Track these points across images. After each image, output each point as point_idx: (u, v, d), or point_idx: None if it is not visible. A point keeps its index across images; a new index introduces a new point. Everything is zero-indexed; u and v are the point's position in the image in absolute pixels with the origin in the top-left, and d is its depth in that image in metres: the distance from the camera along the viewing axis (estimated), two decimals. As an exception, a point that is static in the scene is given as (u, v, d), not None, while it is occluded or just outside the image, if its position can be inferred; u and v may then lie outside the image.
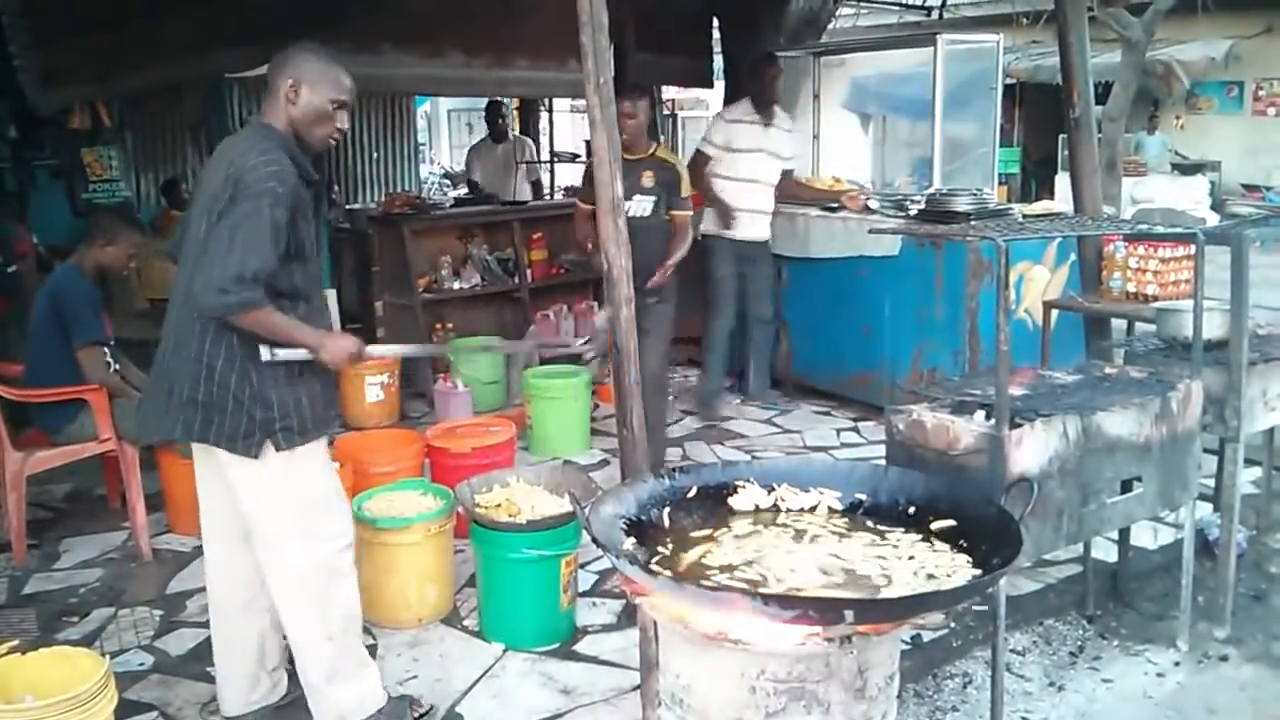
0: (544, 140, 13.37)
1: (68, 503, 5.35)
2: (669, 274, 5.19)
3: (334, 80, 3.07)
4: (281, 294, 2.94)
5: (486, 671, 3.69)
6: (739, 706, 2.18)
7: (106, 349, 4.64)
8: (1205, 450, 3.71)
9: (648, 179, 5.20)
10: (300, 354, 2.97)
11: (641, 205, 5.16)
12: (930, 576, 2.31)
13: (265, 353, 2.94)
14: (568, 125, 19.54)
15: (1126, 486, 3.30)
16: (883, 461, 3.26)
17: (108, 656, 3.02)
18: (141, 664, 3.77)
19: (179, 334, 3.02)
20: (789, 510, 2.68)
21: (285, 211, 2.88)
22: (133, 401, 4.62)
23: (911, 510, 2.62)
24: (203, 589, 4.28)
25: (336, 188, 12.18)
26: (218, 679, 3.38)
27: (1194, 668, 3.64)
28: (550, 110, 14.16)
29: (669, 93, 13.63)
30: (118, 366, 4.69)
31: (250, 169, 2.87)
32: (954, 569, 2.34)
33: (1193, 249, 3.74)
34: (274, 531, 3.07)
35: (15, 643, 3.03)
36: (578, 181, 13.74)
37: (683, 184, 5.28)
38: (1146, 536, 4.44)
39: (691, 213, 5.31)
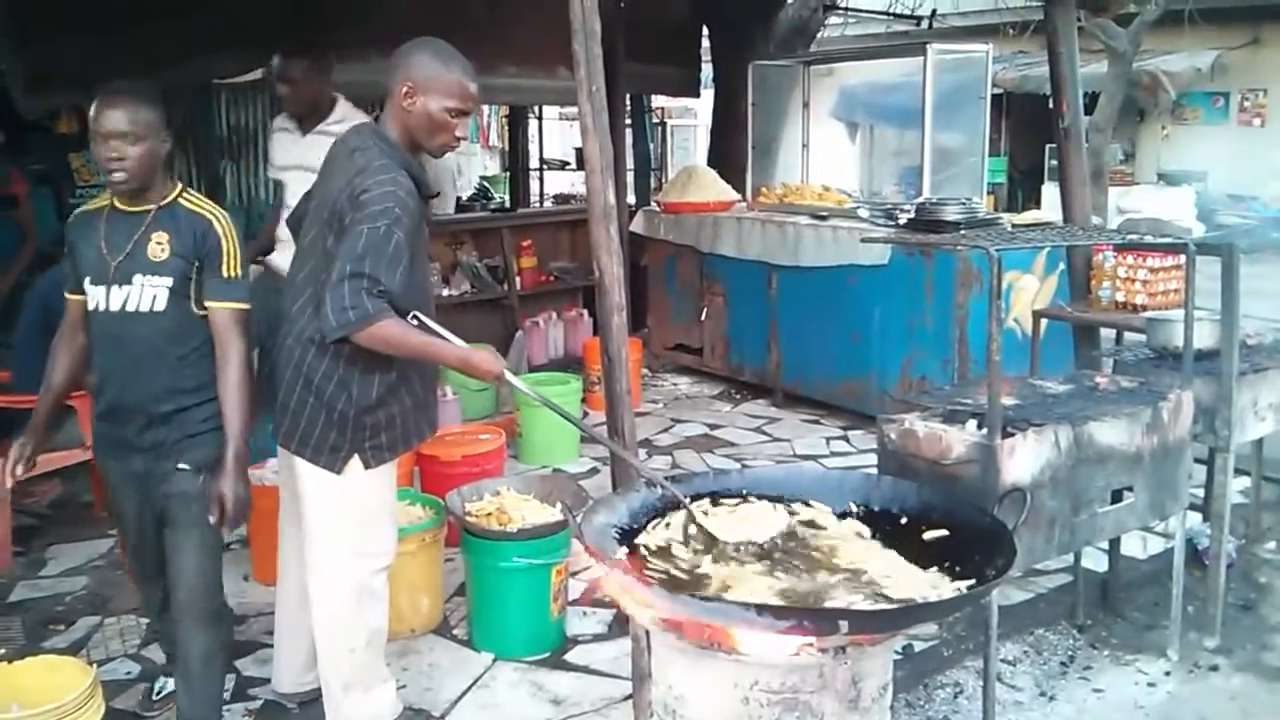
0: (533, 147, 13.39)
1: (54, 510, 5.31)
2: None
3: (452, 86, 2.90)
4: (400, 312, 2.86)
5: (476, 681, 3.67)
6: (732, 717, 2.18)
7: None
8: (1195, 460, 3.71)
9: (159, 247, 2.89)
10: (444, 333, 2.88)
11: (141, 293, 2.91)
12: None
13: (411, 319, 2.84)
14: (556, 133, 19.57)
15: (1117, 496, 3.31)
16: (873, 470, 3.26)
17: (94, 665, 2.99)
18: (128, 673, 3.74)
19: (285, 338, 3.00)
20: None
21: (405, 232, 2.78)
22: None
23: (904, 520, 2.62)
24: (190, 598, 4.29)
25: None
26: (275, 658, 3.47)
27: (1184, 677, 3.64)
28: (540, 118, 14.18)
29: (658, 101, 13.64)
30: None
31: (373, 185, 2.77)
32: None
33: (1181, 259, 3.75)
34: (327, 542, 3.07)
35: (1, 651, 3.01)
36: (567, 189, 13.75)
37: (228, 253, 2.94)
38: (1136, 546, 4.44)
39: (245, 307, 2.97)
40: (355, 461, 2.97)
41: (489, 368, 2.90)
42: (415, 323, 2.85)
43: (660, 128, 15.68)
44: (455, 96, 2.90)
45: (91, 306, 2.96)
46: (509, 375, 2.95)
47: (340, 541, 3.05)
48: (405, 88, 2.89)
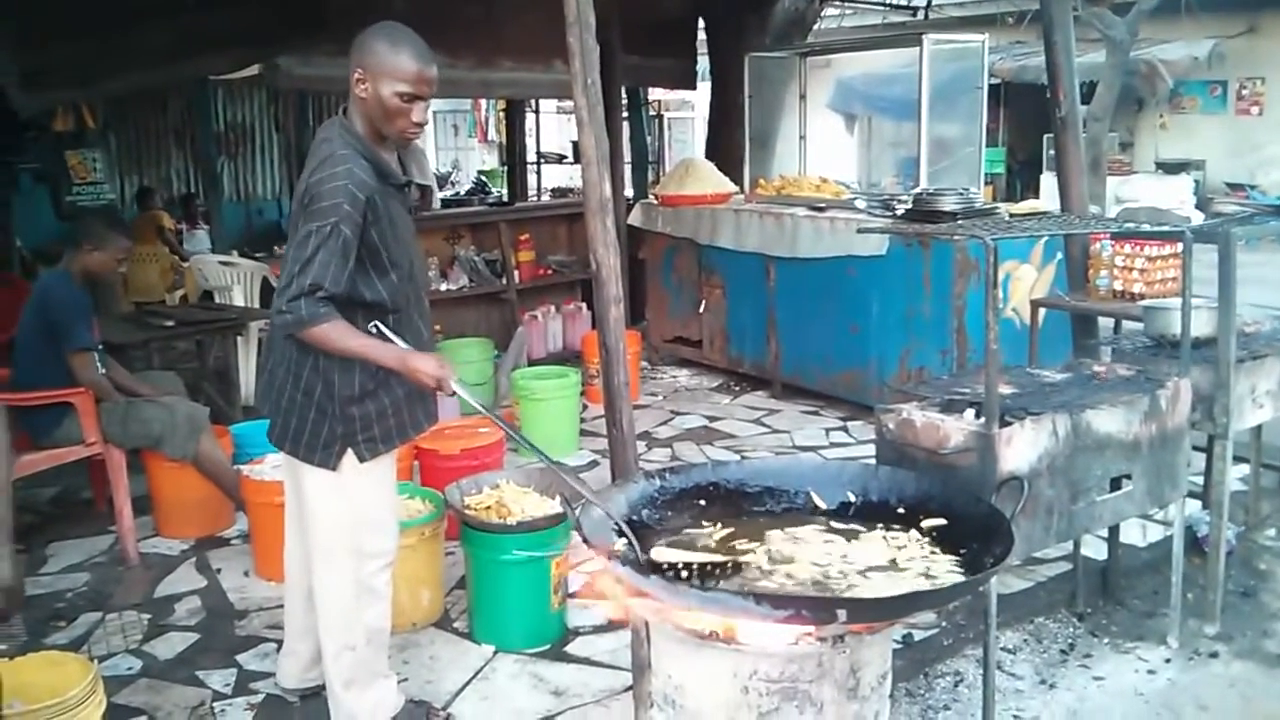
0: (531, 141, 13.37)
1: (54, 506, 5.32)
2: None
3: (402, 70, 2.83)
4: (366, 305, 2.89)
5: (477, 673, 3.68)
6: (731, 707, 2.17)
7: (95, 354, 4.63)
8: (1194, 448, 3.72)
9: None
10: (391, 337, 2.90)
11: None
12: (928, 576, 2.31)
13: (371, 328, 2.88)
14: (554, 126, 19.56)
15: (1116, 484, 3.31)
16: (872, 460, 3.26)
17: (96, 661, 3.00)
18: (130, 668, 3.75)
19: (278, 338, 3.02)
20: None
21: (355, 226, 2.78)
22: (120, 405, 4.62)
23: (902, 510, 2.62)
24: (190, 593, 4.32)
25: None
26: (281, 654, 3.50)
27: (1184, 665, 3.65)
28: (536, 111, 14.17)
29: (655, 94, 13.63)
30: (105, 370, 4.67)
31: (324, 179, 2.78)
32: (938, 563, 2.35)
33: (1179, 247, 3.75)
34: (328, 541, 3.07)
35: (3, 647, 3.01)
36: (565, 183, 13.73)
37: None
38: (1136, 534, 4.45)
39: None
40: (350, 456, 2.97)
41: (429, 372, 2.82)
42: (375, 331, 2.88)
43: (657, 120, 15.68)
44: (406, 80, 2.85)
45: None
46: (455, 385, 2.83)
47: (341, 540, 3.05)
48: (356, 74, 2.87)
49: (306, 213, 2.80)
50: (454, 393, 2.84)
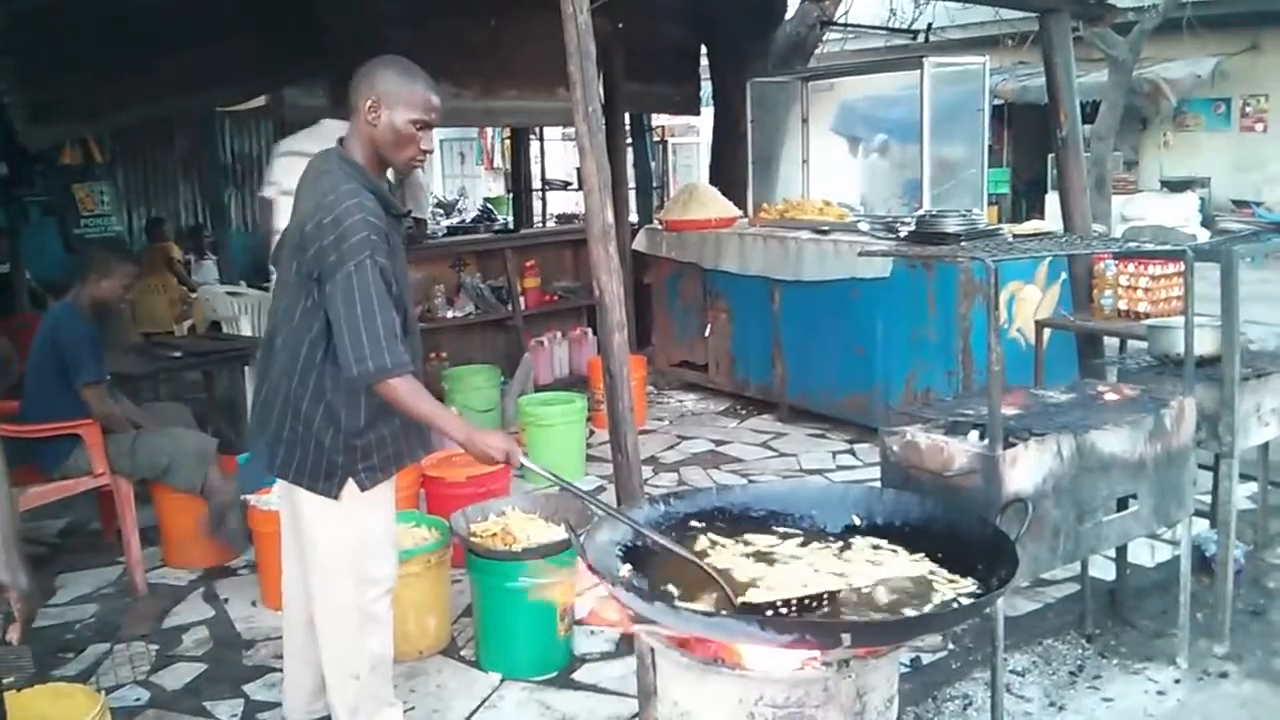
0: (535, 168, 13.43)
1: (63, 538, 5.33)
2: None
3: (417, 98, 2.91)
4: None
5: (484, 702, 3.67)
6: (737, 732, 2.17)
7: (106, 385, 4.65)
8: (1200, 466, 3.71)
9: None
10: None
11: None
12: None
13: None
14: (560, 153, 19.65)
15: (1122, 504, 3.30)
16: (878, 484, 3.26)
17: (104, 692, 3.00)
18: (138, 699, 3.75)
19: (272, 370, 3.03)
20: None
21: (385, 253, 2.82)
22: (128, 436, 4.63)
23: (907, 532, 2.62)
24: (197, 623, 4.32)
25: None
26: (284, 686, 3.48)
27: (1194, 685, 3.63)
28: (541, 138, 14.24)
29: (659, 119, 13.68)
30: (113, 402, 4.69)
31: (341, 215, 2.78)
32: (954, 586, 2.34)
33: (1183, 265, 3.76)
34: (327, 568, 3.08)
35: (11, 679, 3.02)
36: (571, 209, 13.77)
37: None
38: (1144, 554, 4.43)
39: None
40: (350, 485, 2.98)
41: (498, 448, 2.78)
42: None
43: (662, 146, 15.75)
44: (420, 109, 2.92)
45: None
46: (524, 460, 2.78)
47: (341, 568, 3.06)
48: (370, 101, 2.89)
49: (339, 252, 2.77)
50: (521, 466, 2.79)
